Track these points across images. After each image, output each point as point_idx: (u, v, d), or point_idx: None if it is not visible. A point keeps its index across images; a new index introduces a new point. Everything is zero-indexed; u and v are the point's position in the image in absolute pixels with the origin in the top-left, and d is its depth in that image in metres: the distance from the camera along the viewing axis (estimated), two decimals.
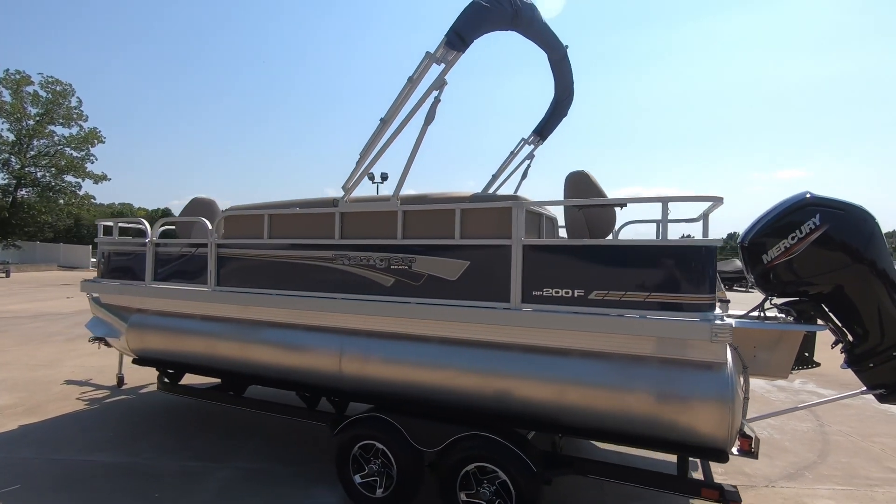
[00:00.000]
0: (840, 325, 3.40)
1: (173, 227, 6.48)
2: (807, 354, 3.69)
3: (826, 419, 6.03)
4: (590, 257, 3.13)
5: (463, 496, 3.39)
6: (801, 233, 3.17)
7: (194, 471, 4.29)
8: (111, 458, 4.50)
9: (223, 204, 6.02)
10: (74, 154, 35.28)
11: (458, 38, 3.45)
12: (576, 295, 3.15)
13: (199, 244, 4.61)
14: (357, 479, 3.75)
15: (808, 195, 3.22)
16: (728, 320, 3.02)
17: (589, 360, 3.17)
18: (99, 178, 36.15)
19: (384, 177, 30.10)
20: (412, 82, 3.60)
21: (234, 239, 4.41)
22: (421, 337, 3.65)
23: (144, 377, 7.10)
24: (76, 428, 5.19)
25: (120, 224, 5.50)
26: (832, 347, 3.51)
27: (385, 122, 3.71)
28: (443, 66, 3.55)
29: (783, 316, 3.59)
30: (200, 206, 5.56)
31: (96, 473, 4.22)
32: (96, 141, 35.68)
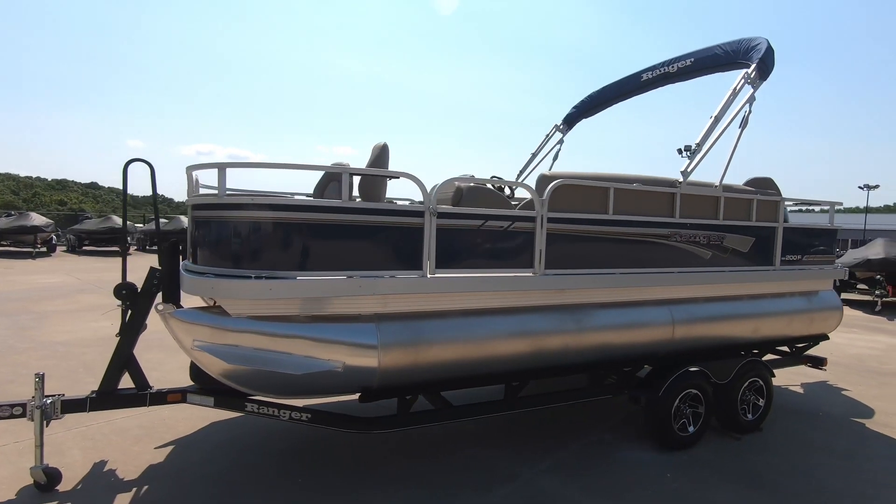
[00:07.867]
0: None
1: None
2: None
3: None
4: (809, 235, 5.05)
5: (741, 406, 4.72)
6: None
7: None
8: None
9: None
10: None
11: (767, 67, 4.51)
12: (795, 258, 5.00)
13: (517, 217, 3.47)
14: (674, 426, 4.34)
15: None
16: None
17: (806, 296, 5.11)
18: None
19: None
20: (734, 93, 4.41)
21: (565, 212, 3.68)
22: (724, 297, 4.58)
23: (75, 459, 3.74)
24: None
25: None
26: None
27: (715, 119, 4.31)
28: (751, 88, 4.52)
29: None
30: (387, 155, 3.61)
31: None
32: None
